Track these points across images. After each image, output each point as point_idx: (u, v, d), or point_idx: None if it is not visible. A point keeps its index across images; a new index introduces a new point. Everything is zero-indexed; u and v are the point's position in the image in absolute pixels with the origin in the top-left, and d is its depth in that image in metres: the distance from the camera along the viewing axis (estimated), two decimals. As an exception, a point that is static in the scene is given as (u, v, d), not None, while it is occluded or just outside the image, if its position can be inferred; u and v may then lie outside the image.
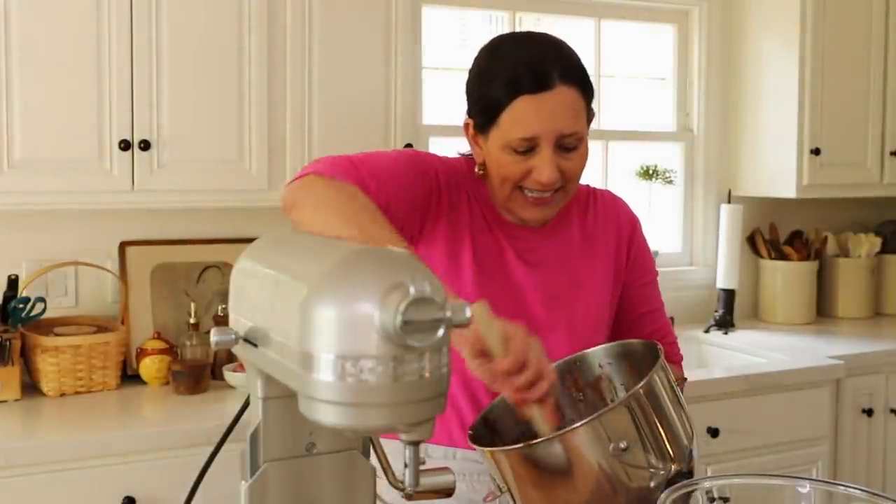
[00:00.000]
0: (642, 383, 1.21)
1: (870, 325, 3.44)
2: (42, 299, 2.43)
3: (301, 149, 2.50)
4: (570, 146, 1.45)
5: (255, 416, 0.99)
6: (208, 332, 1.12)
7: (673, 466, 1.22)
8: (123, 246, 2.61)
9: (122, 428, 2.18)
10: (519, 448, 1.22)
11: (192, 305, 2.58)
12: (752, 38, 3.34)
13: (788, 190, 3.20)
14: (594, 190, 1.66)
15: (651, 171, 3.37)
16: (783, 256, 3.45)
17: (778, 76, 3.23)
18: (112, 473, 2.07)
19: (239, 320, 0.97)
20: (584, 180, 1.56)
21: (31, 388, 2.37)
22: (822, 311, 3.54)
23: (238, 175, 2.45)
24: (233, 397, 2.39)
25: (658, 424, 1.22)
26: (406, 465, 0.95)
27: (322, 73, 2.51)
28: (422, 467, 0.96)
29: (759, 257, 3.50)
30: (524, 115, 1.42)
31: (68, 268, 2.55)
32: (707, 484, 1.14)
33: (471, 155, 1.57)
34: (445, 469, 1.03)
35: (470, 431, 1.33)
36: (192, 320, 2.57)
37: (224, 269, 2.69)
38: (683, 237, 3.50)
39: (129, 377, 2.50)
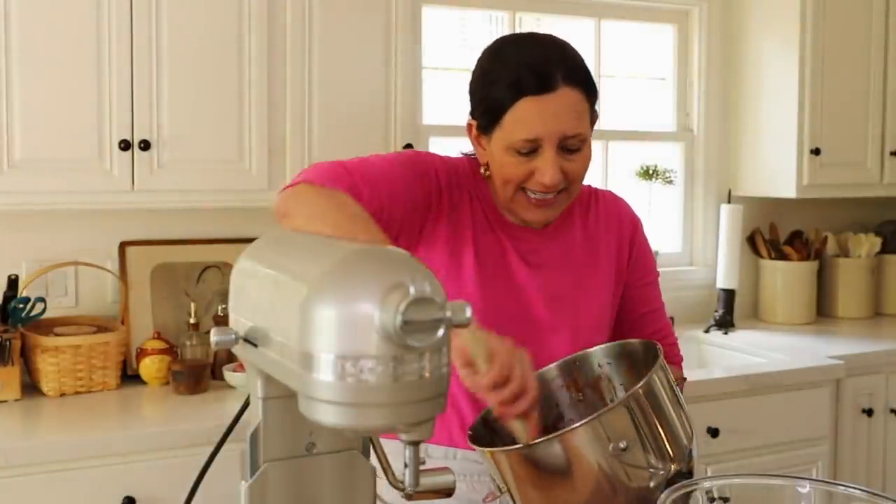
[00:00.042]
0: (642, 383, 1.21)
1: (870, 325, 3.44)
2: (42, 299, 2.43)
3: (301, 149, 2.50)
4: (574, 148, 1.45)
5: (255, 416, 0.99)
6: (208, 332, 1.12)
7: (673, 466, 1.22)
8: (123, 246, 2.61)
9: (122, 428, 2.18)
10: (519, 448, 1.22)
11: (192, 305, 2.59)
12: (752, 38, 3.34)
13: (788, 190, 3.20)
14: (596, 190, 1.66)
15: (651, 171, 3.37)
16: (783, 256, 3.45)
17: (778, 76, 3.23)
18: (112, 473, 2.07)
19: (239, 320, 0.97)
20: (584, 181, 1.55)
21: (31, 388, 2.37)
22: (822, 311, 3.53)
23: (238, 175, 2.45)
24: (233, 397, 2.39)
25: (658, 424, 1.22)
26: (406, 465, 0.95)
27: (322, 73, 2.51)
28: (422, 467, 0.96)
29: (759, 257, 3.50)
30: (527, 116, 1.42)
31: (68, 268, 2.55)
32: (707, 484, 1.14)
33: (473, 155, 1.57)
34: (445, 469, 1.03)
35: (470, 432, 1.33)
36: (192, 320, 2.57)
37: (224, 269, 2.69)
38: (683, 237, 3.50)
39: (129, 377, 2.50)
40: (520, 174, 1.45)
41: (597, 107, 1.51)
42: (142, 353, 2.48)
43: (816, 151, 3.17)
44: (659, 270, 1.71)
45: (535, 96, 1.41)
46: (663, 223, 3.47)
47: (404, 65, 2.61)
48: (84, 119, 2.29)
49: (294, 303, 0.83)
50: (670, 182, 3.40)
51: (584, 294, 1.57)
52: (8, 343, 2.28)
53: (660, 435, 1.22)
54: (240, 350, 0.97)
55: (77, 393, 2.37)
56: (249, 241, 1.04)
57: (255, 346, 0.93)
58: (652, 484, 1.20)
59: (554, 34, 1.55)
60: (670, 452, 1.22)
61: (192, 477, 1.08)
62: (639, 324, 1.64)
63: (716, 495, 1.12)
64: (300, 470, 0.99)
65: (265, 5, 2.44)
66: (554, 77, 1.41)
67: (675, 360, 1.66)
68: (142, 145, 2.31)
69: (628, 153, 3.41)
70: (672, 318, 2.01)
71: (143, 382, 2.48)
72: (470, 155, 1.58)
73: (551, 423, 1.45)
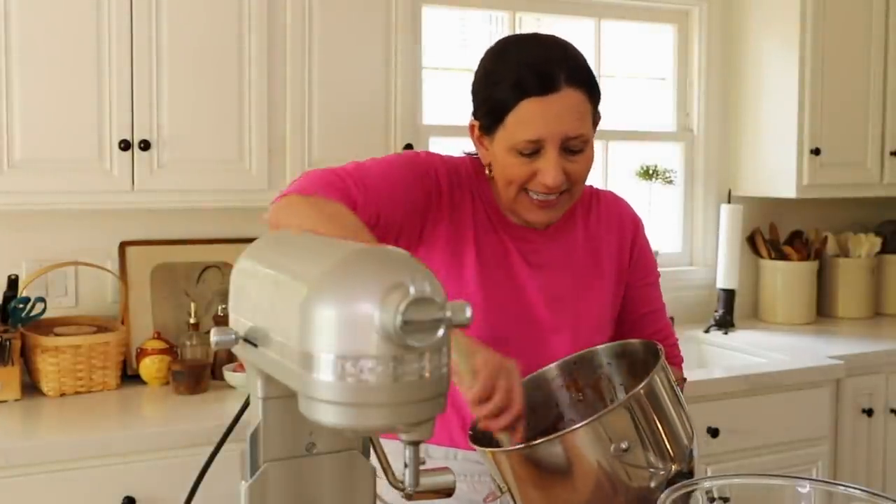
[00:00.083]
0: (643, 384, 1.21)
1: (870, 325, 3.44)
2: (42, 299, 2.43)
3: (301, 149, 2.50)
4: (576, 149, 1.45)
5: (255, 416, 0.99)
6: (208, 332, 1.12)
7: (673, 466, 1.22)
8: (123, 246, 2.61)
9: (122, 428, 2.18)
10: (519, 449, 1.22)
11: (192, 305, 2.58)
12: (752, 38, 3.34)
13: (788, 190, 3.20)
14: (597, 191, 1.66)
15: (651, 171, 3.37)
16: (783, 256, 3.45)
17: (778, 76, 3.22)
18: (112, 473, 2.07)
19: (239, 320, 0.97)
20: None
21: (31, 388, 2.37)
22: (822, 311, 3.53)
23: (238, 175, 2.45)
24: (233, 397, 2.39)
25: (658, 425, 1.22)
26: (406, 465, 0.95)
27: (322, 73, 2.51)
28: (422, 467, 0.96)
29: (759, 257, 3.50)
30: (530, 117, 1.41)
31: (68, 268, 2.55)
32: (707, 484, 1.14)
33: (476, 154, 1.56)
34: (445, 469, 1.03)
35: (470, 432, 1.33)
36: (192, 320, 2.57)
37: (224, 269, 2.69)
38: (683, 237, 3.50)
39: (129, 377, 2.50)
40: (522, 175, 1.45)
41: (600, 108, 1.51)
42: (142, 353, 2.48)
43: (816, 151, 3.16)
44: (659, 271, 1.71)
45: (537, 97, 1.41)
46: (663, 223, 3.47)
47: (404, 65, 2.61)
48: (84, 119, 2.29)
49: (294, 303, 0.83)
50: (670, 182, 3.40)
51: (585, 294, 1.57)
52: (8, 343, 2.28)
53: (660, 435, 1.22)
54: (240, 350, 0.97)
55: (77, 393, 2.37)
56: (249, 241, 1.04)
57: (255, 346, 0.93)
58: (652, 484, 1.20)
59: (556, 35, 1.55)
60: (671, 452, 1.22)
61: (192, 477, 1.08)
62: (639, 324, 1.64)
63: (716, 495, 1.12)
64: (300, 470, 0.99)
65: (265, 5, 2.44)
66: (557, 78, 1.41)
67: (676, 360, 1.66)
68: (142, 145, 2.31)
69: (628, 153, 3.41)
70: (672, 319, 2.01)
71: (143, 382, 2.48)
72: (472, 155, 1.58)
73: (551, 423, 1.45)
